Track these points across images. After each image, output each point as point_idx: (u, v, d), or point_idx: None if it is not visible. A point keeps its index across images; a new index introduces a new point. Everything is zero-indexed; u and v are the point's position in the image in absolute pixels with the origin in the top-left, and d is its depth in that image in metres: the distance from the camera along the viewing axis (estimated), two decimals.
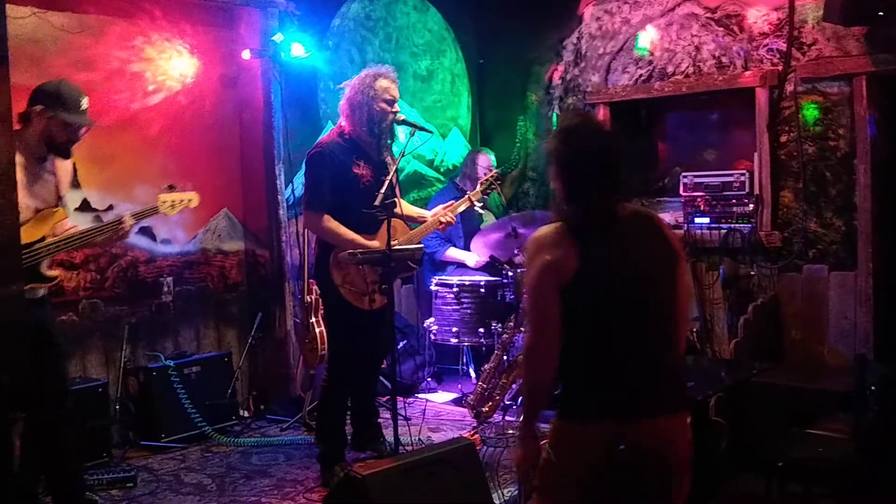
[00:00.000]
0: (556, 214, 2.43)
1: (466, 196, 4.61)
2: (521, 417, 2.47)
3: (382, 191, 3.92)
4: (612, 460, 2.26)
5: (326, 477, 4.19)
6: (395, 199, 4.10)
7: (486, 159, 6.13)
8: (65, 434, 3.70)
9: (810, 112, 5.31)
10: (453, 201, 4.59)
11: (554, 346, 2.31)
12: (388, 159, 4.28)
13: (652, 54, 6.03)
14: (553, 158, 2.44)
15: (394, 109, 4.22)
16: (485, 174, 6.00)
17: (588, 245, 2.31)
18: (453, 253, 5.90)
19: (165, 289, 5.27)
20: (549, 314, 2.31)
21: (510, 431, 4.66)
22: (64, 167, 3.75)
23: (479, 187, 4.71)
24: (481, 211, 6.08)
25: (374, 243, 4.10)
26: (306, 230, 5.12)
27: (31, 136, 3.59)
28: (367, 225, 4.10)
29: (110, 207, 4.91)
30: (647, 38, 6.04)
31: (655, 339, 2.37)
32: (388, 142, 4.31)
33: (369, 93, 4.14)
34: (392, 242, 3.89)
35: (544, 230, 2.38)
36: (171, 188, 3.98)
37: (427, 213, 4.54)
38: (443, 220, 4.43)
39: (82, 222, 4.73)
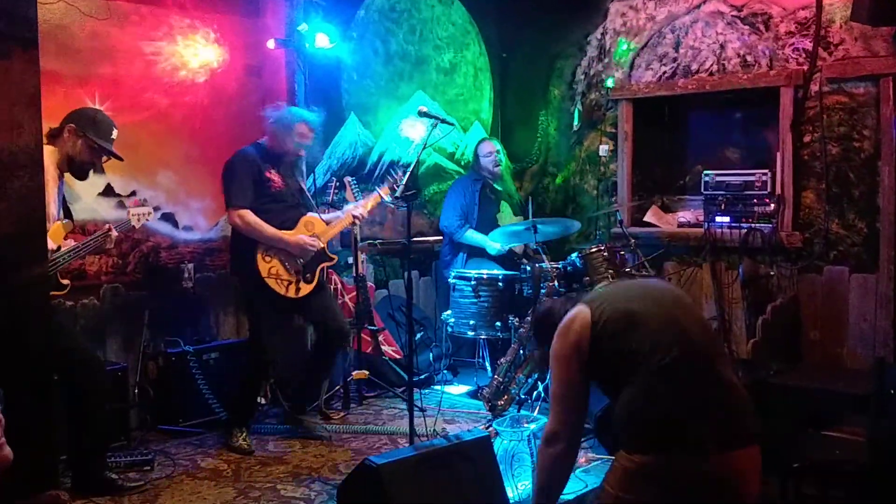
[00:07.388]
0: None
1: (377, 192, 4.90)
2: None
3: (404, 181, 4.22)
4: (688, 494, 2.22)
5: (228, 438, 4.65)
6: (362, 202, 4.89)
7: (486, 146, 6.15)
8: (94, 410, 3.84)
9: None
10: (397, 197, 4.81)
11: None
12: (300, 179, 4.99)
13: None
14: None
15: (300, 153, 4.82)
16: (487, 164, 6.05)
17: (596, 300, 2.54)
18: (474, 235, 5.90)
19: (186, 275, 5.31)
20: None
21: (525, 425, 4.66)
22: (66, 188, 3.98)
23: (385, 185, 4.94)
24: (504, 201, 6.09)
25: (295, 238, 4.58)
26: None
27: (55, 152, 3.81)
28: (278, 224, 4.58)
29: (133, 193, 4.95)
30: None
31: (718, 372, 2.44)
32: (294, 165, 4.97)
33: (290, 130, 4.66)
34: (310, 236, 4.62)
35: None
36: (139, 200, 4.47)
37: (340, 214, 4.92)
38: (354, 213, 4.87)
39: (105, 207, 4.83)
